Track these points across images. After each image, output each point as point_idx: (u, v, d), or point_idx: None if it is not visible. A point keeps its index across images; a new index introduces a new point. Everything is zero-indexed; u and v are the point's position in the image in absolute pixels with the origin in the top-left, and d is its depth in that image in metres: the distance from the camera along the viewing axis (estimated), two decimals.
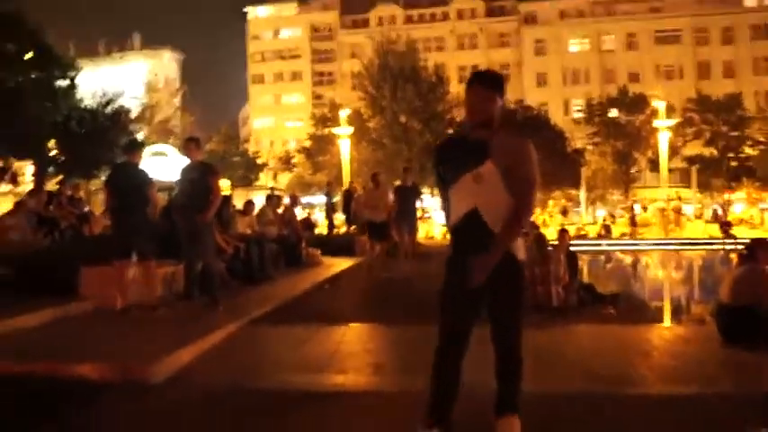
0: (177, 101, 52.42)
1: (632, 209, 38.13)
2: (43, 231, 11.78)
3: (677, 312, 10.43)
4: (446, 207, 3.85)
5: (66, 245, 10.67)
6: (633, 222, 34.54)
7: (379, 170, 19.76)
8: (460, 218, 3.74)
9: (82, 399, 4.95)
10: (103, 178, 27.75)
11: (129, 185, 8.19)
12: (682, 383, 5.49)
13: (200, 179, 8.49)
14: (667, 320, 9.29)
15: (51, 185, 21.22)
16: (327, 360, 6.20)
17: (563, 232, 10.74)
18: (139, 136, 36.58)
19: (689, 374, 5.79)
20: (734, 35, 69.08)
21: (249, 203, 13.05)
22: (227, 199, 11.82)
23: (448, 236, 3.91)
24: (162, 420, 4.65)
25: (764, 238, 7.71)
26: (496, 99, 3.69)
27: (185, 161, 8.99)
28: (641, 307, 10.46)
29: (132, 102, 39.60)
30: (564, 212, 41.07)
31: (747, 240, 25.04)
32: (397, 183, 15.97)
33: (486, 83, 3.73)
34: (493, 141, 3.66)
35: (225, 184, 28.78)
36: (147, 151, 31.29)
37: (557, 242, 10.37)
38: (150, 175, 8.50)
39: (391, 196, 13.83)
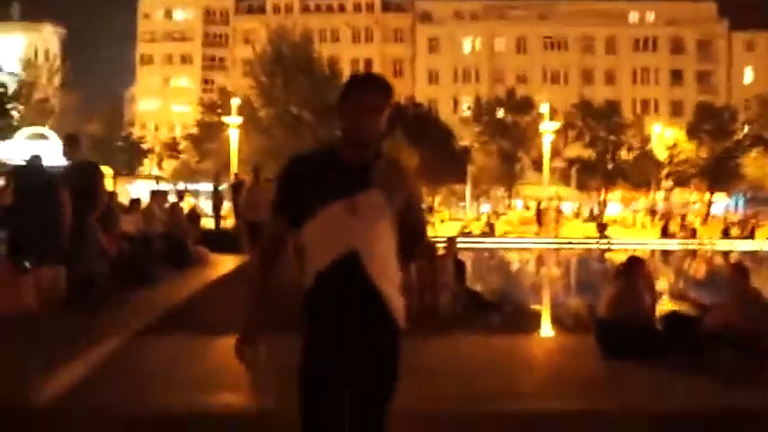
0: (57, 79, 49.94)
1: (538, 207, 36.66)
2: None
3: (558, 319, 10.88)
4: (302, 250, 2.74)
5: None
6: (539, 221, 34.32)
7: (262, 162, 17.93)
8: (328, 266, 2.64)
9: None
10: None
11: (35, 190, 7.83)
12: (561, 398, 5.73)
13: (84, 180, 8.18)
14: (548, 329, 9.70)
15: None
16: (213, 377, 6.09)
17: (451, 240, 10.98)
18: (15, 115, 34.80)
19: (568, 389, 6.06)
20: (616, 46, 72.88)
21: (135, 201, 12.67)
22: (112, 196, 11.42)
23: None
24: None
25: (640, 256, 8.20)
26: (386, 112, 2.73)
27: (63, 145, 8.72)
28: (525, 314, 10.86)
29: (8, 78, 37.57)
30: (430, 210, 40.80)
31: (620, 241, 26.41)
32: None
33: (382, 90, 2.74)
34: (377, 164, 2.70)
35: (107, 172, 27.79)
36: (23, 133, 29.80)
37: (443, 250, 10.58)
38: (58, 177, 8.14)
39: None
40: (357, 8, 76.68)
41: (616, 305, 7.26)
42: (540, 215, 34.99)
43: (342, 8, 76.93)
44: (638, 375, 6.24)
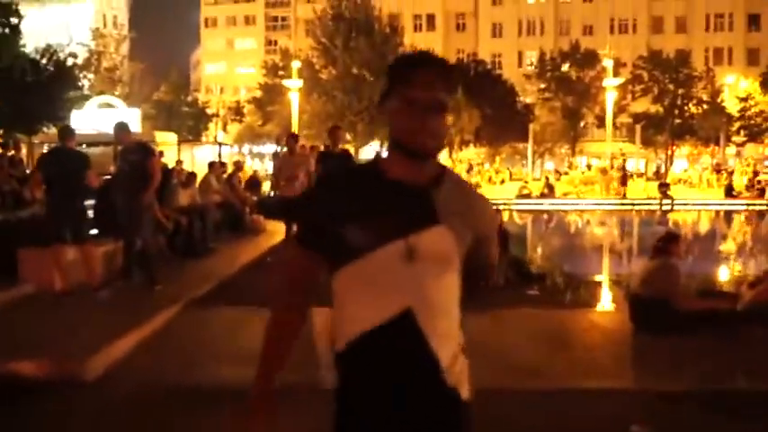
0: (125, 47, 51.19)
1: (623, 168, 35.17)
2: None
3: (600, 292, 10.98)
4: (339, 302, 1.99)
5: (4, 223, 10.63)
6: (624, 182, 33.40)
7: (295, 134, 16.32)
8: (377, 327, 1.90)
9: (13, 400, 5.17)
10: (45, 130, 27.24)
11: (63, 173, 8.24)
12: (588, 378, 5.93)
13: (138, 161, 8.62)
14: (587, 303, 9.80)
15: None
16: (256, 350, 6.46)
17: (495, 212, 11.06)
18: (85, 83, 35.90)
19: (596, 368, 6.25)
20: None
21: (191, 175, 13.14)
22: (169, 172, 11.90)
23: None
24: (90, 424, 4.91)
25: (676, 233, 8.22)
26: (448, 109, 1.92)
27: (131, 114, 9.14)
28: (568, 285, 10.92)
29: (78, 48, 38.66)
30: (469, 169, 40.12)
31: (683, 201, 25.74)
32: (322, 148, 13.52)
33: (448, 75, 1.92)
34: (441, 187, 1.96)
35: (170, 140, 28.57)
36: (93, 102, 30.75)
37: None
38: (86, 159, 8.59)
39: (313, 166, 11.44)
40: None
41: (649, 282, 7.36)
42: (625, 176, 33.96)
43: None
44: (663, 354, 6.39)
